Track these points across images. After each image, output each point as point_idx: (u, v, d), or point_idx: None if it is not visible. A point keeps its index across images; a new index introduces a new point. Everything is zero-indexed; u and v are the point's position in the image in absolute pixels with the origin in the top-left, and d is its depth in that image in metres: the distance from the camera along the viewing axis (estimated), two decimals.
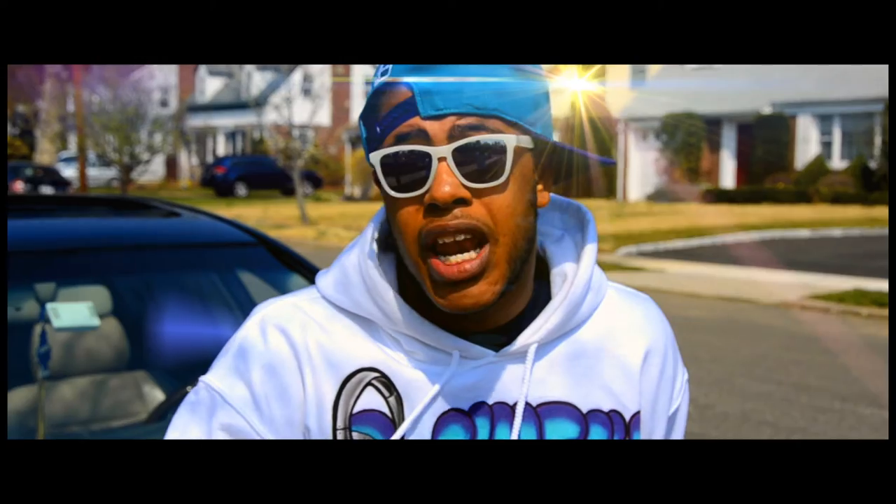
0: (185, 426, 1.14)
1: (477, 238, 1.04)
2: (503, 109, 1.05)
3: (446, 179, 1.01)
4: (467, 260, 1.03)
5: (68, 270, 2.87)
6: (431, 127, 1.03)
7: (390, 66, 1.07)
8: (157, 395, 2.99)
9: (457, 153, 1.02)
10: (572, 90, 1.14)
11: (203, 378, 1.15)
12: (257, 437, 1.10)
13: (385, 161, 1.05)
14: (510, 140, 1.04)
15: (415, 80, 1.04)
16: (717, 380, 7.19)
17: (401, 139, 1.04)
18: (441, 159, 1.02)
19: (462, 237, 1.03)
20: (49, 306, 2.59)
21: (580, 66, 1.12)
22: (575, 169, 1.15)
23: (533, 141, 1.07)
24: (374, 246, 1.14)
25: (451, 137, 1.03)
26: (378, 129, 1.07)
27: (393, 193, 1.05)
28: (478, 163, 1.03)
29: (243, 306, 3.23)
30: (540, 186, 1.11)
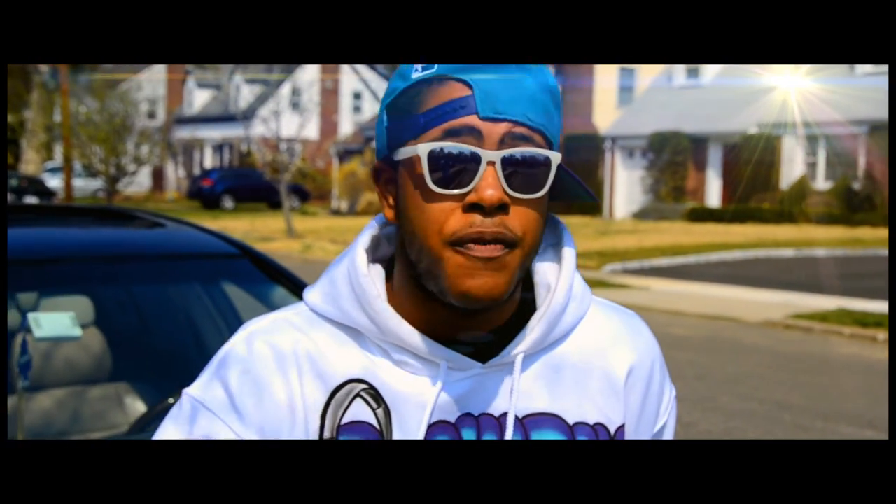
0: (164, 437, 1.14)
1: (505, 245, 1.05)
2: (548, 127, 1.08)
3: (493, 183, 1.03)
4: (490, 248, 1.04)
5: (51, 280, 2.86)
6: (486, 128, 1.04)
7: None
8: (138, 407, 2.98)
9: (506, 160, 1.04)
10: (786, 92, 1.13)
11: (185, 390, 1.15)
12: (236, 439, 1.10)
13: (433, 154, 1.05)
14: (556, 157, 1.07)
15: (472, 76, 1.05)
16: (700, 397, 7.20)
17: (451, 134, 1.05)
18: (490, 163, 1.04)
19: (493, 245, 1.04)
20: (31, 316, 2.57)
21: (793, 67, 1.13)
22: (566, 195, 1.17)
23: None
24: (365, 257, 1.14)
25: (501, 143, 1.04)
26: (421, 120, 1.07)
27: (434, 187, 1.05)
28: (523, 173, 1.05)
29: (227, 318, 3.22)
30: None
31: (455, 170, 1.04)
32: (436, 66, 1.08)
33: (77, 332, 2.63)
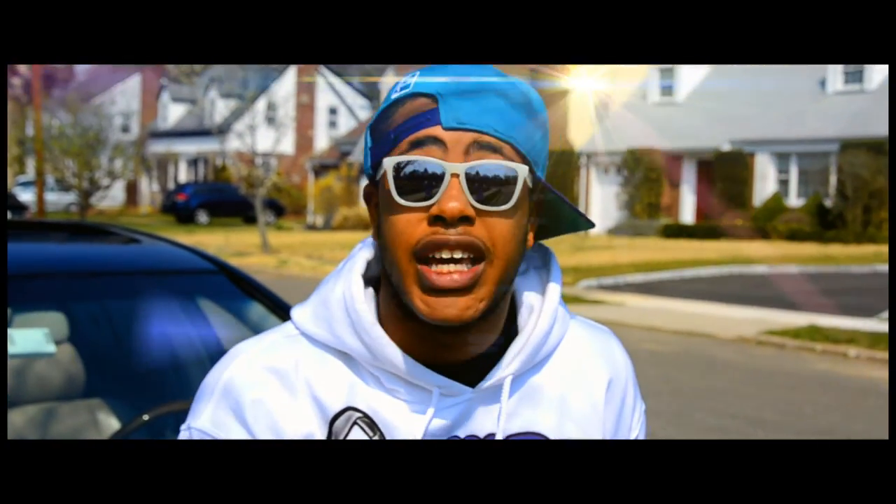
0: None
1: (473, 255, 1.05)
2: (518, 139, 1.07)
3: (456, 195, 1.03)
4: (459, 271, 1.04)
5: (24, 296, 2.84)
6: (450, 138, 1.05)
7: (412, 81, 1.09)
8: (112, 424, 2.95)
9: (470, 172, 1.04)
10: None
11: (190, 424, 1.12)
12: None
13: (397, 167, 1.05)
14: (522, 170, 1.06)
15: (440, 90, 1.06)
16: (674, 413, 7.23)
17: (416, 145, 1.05)
18: (454, 175, 1.04)
19: (459, 254, 1.04)
20: None
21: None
22: (557, 225, 1.17)
23: (531, 180, 1.09)
24: (361, 283, 1.14)
25: (466, 153, 1.04)
26: (392, 135, 1.08)
27: (400, 200, 1.05)
28: (488, 185, 1.05)
29: (203, 334, 3.20)
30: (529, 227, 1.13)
31: (420, 182, 1.04)
32: (413, 84, 1.08)
33: (51, 348, 2.61)
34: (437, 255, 1.04)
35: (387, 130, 1.09)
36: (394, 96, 1.10)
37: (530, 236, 1.14)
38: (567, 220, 1.16)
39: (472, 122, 1.05)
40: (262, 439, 1.08)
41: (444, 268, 1.04)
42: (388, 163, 1.06)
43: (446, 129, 1.04)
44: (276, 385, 1.10)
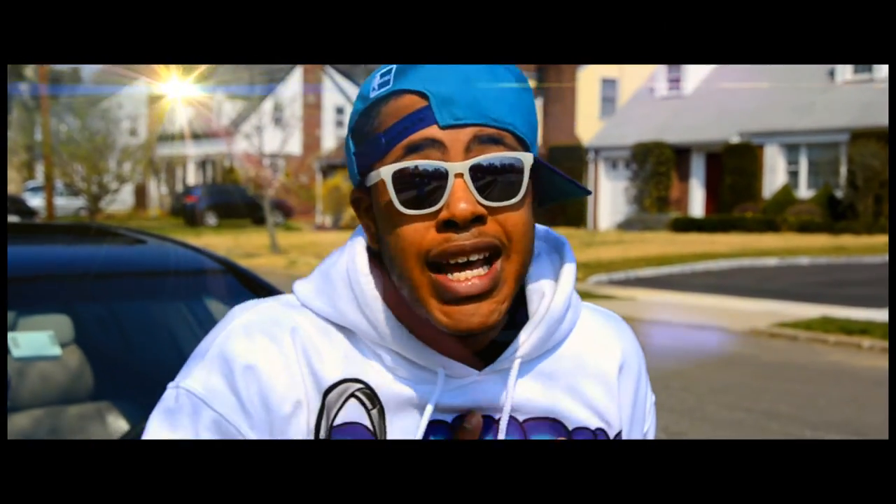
0: (166, 437, 1.06)
1: (490, 255, 1.01)
2: (516, 125, 1.03)
3: (463, 196, 0.99)
4: (477, 276, 1.00)
5: (29, 298, 2.82)
6: (448, 137, 1.00)
7: (390, 76, 1.03)
8: (121, 425, 2.93)
9: (474, 170, 1.00)
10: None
11: (180, 383, 1.07)
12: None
13: (397, 175, 1.00)
14: (527, 159, 1.02)
15: (427, 86, 1.00)
16: (688, 407, 7.19)
17: (412, 150, 1.00)
18: (458, 175, 0.99)
19: (475, 256, 1.00)
20: (9, 335, 2.53)
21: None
22: (554, 194, 1.12)
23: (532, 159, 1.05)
24: (366, 256, 1.09)
25: (467, 150, 1.00)
26: (382, 140, 1.02)
27: (403, 210, 1.00)
28: (494, 180, 1.00)
29: None
30: None
31: (423, 188, 1.00)
32: (391, 82, 1.03)
33: (56, 350, 2.59)
34: (452, 261, 1.00)
35: (374, 134, 1.04)
36: (372, 95, 1.05)
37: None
38: (560, 188, 1.11)
39: (469, 115, 1.00)
40: (269, 439, 1.05)
41: (461, 274, 1.00)
42: (386, 171, 1.01)
43: (443, 127, 1.00)
44: (271, 351, 1.05)
